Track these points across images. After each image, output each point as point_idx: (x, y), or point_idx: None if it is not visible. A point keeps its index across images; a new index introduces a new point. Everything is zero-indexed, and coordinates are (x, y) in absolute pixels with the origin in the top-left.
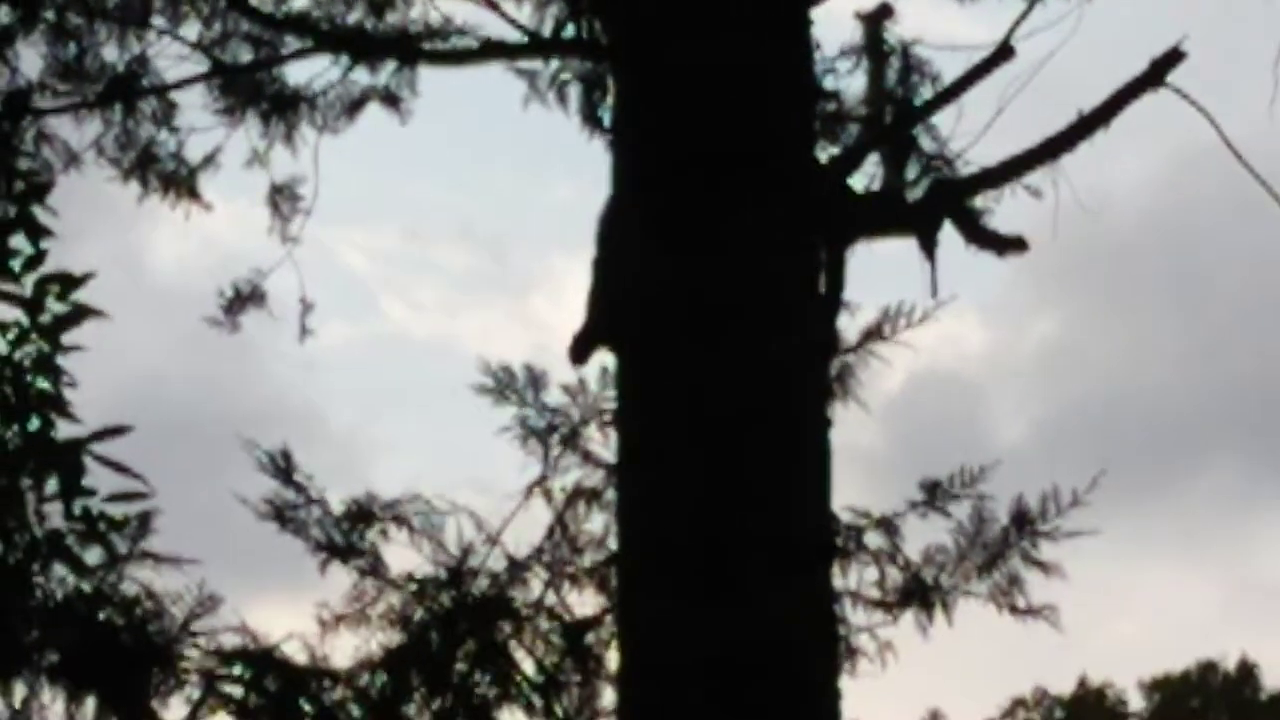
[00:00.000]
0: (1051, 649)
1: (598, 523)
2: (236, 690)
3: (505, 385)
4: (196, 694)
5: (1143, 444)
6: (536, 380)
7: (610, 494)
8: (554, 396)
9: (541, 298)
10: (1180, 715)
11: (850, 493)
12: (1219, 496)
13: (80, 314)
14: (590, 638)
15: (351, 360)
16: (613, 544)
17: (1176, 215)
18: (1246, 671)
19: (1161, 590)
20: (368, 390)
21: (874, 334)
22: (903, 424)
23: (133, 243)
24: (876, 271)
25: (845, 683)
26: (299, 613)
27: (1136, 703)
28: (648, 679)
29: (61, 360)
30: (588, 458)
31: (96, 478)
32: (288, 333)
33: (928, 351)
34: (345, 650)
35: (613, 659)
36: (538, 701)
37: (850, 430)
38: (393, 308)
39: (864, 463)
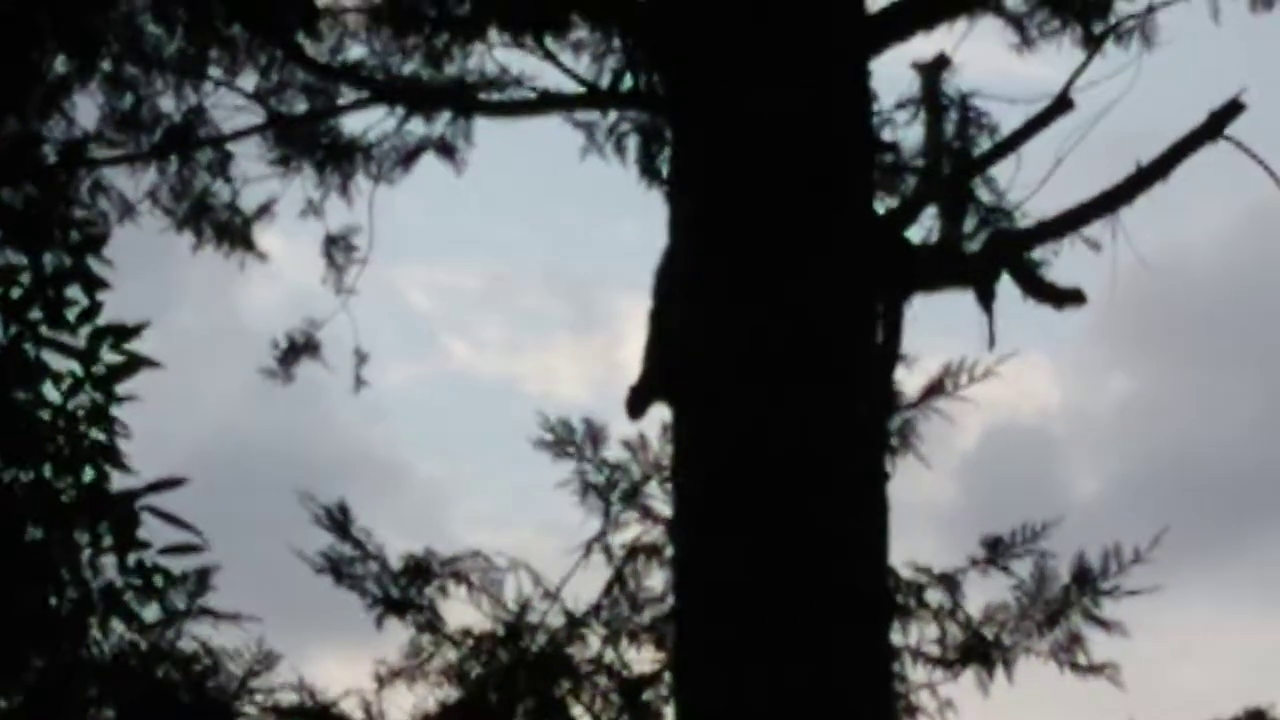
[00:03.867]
0: (1117, 703)
1: (657, 579)
2: None
3: (564, 439)
4: None
5: (1219, 500)
6: (595, 435)
7: (670, 550)
8: (614, 451)
9: (607, 337)
10: None
11: (925, 549)
12: None
13: (134, 364)
14: (648, 694)
15: (417, 402)
16: (671, 601)
17: (1254, 271)
18: None
19: (1236, 641)
20: (437, 434)
21: (936, 389)
22: (979, 480)
23: (195, 292)
24: (934, 324)
25: None
26: (358, 670)
27: None
28: None
29: (116, 411)
30: (647, 514)
31: (152, 531)
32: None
33: (1005, 407)
34: (403, 707)
35: (671, 716)
36: None
37: (926, 486)
38: (457, 347)
39: (939, 519)
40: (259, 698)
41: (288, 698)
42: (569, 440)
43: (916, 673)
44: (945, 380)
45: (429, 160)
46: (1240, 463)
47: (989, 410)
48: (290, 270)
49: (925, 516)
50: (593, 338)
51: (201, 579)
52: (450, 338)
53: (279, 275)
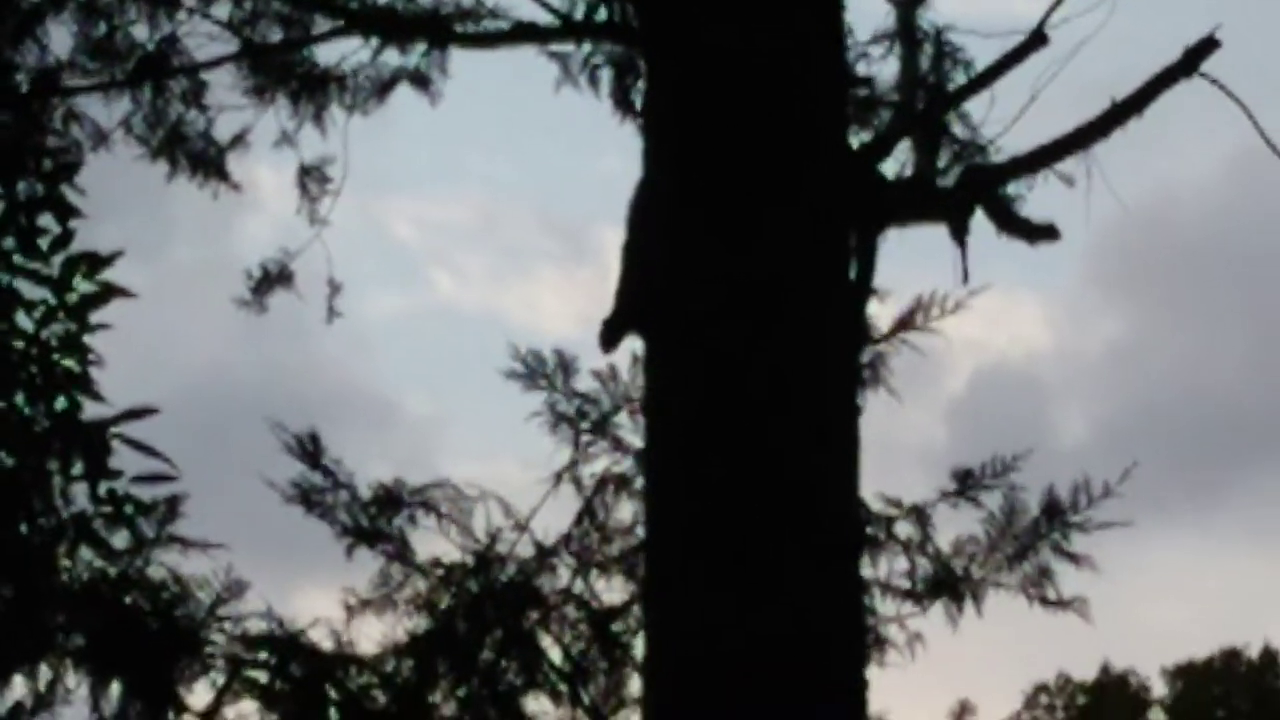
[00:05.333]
0: (1095, 639)
1: (626, 510)
2: (262, 676)
3: (535, 370)
4: (222, 679)
5: (1207, 442)
6: (566, 366)
7: (640, 481)
8: (585, 383)
9: (593, 271)
10: (1202, 702)
11: (915, 490)
12: None
13: (108, 293)
14: (618, 625)
15: (403, 335)
16: (641, 532)
17: (1243, 214)
18: (1270, 659)
19: (1219, 581)
20: (424, 367)
21: (907, 323)
22: (968, 422)
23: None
24: (907, 259)
25: (873, 673)
26: (328, 600)
27: (1160, 689)
28: (674, 668)
29: (90, 339)
30: (618, 444)
31: (124, 460)
32: (343, 308)
33: (995, 349)
34: (372, 637)
35: (640, 647)
36: (564, 690)
37: (917, 427)
38: (442, 280)
39: (929, 460)
40: (228, 626)
41: (257, 627)
42: (540, 371)
43: (885, 606)
44: (916, 314)
45: (404, 92)
46: (1229, 405)
47: (979, 352)
48: (275, 203)
49: (915, 457)
50: (579, 271)
51: (171, 507)
52: (435, 270)
53: (270, 209)
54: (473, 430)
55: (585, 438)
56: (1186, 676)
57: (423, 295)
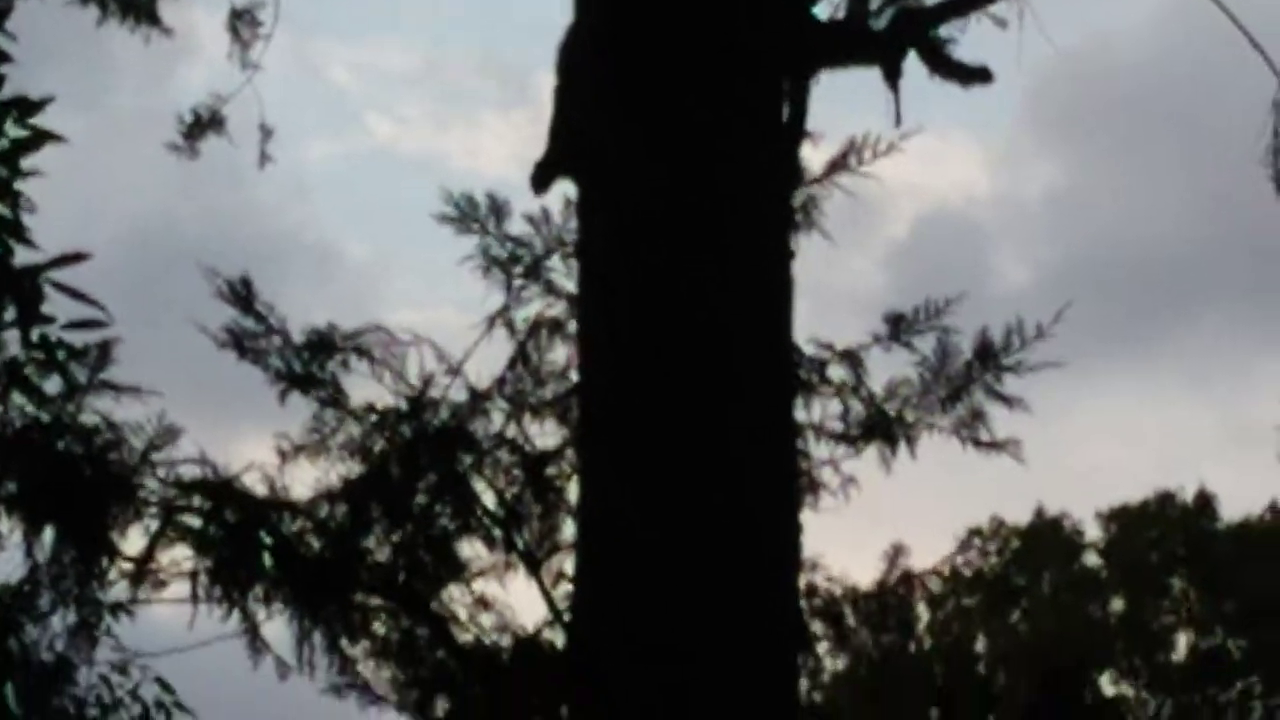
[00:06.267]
0: (1033, 482)
1: (560, 354)
2: (195, 522)
3: (467, 214)
4: (155, 525)
5: (1147, 288)
6: (499, 209)
7: (573, 325)
8: (519, 226)
9: (534, 113)
10: (1136, 545)
11: (855, 336)
12: (1221, 339)
13: (40, 138)
14: (551, 469)
15: (342, 180)
16: (575, 376)
17: (1180, 60)
18: (1204, 502)
19: (1157, 425)
20: (364, 213)
21: (839, 164)
22: (909, 268)
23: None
24: (843, 102)
25: (807, 516)
26: (266, 449)
27: (1094, 533)
28: (608, 513)
29: (21, 186)
30: (551, 288)
31: (56, 306)
32: (278, 152)
33: (935, 196)
34: (306, 483)
35: (574, 491)
36: (498, 534)
37: (856, 274)
38: (381, 125)
39: (869, 306)
40: (161, 472)
41: (191, 473)
42: (472, 215)
43: (819, 449)
44: (849, 156)
45: None
46: (1169, 253)
47: (919, 197)
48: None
49: (857, 303)
50: (519, 115)
51: (103, 353)
52: (373, 116)
53: (208, 55)
54: (414, 277)
55: (518, 282)
56: (1120, 520)
57: (361, 141)
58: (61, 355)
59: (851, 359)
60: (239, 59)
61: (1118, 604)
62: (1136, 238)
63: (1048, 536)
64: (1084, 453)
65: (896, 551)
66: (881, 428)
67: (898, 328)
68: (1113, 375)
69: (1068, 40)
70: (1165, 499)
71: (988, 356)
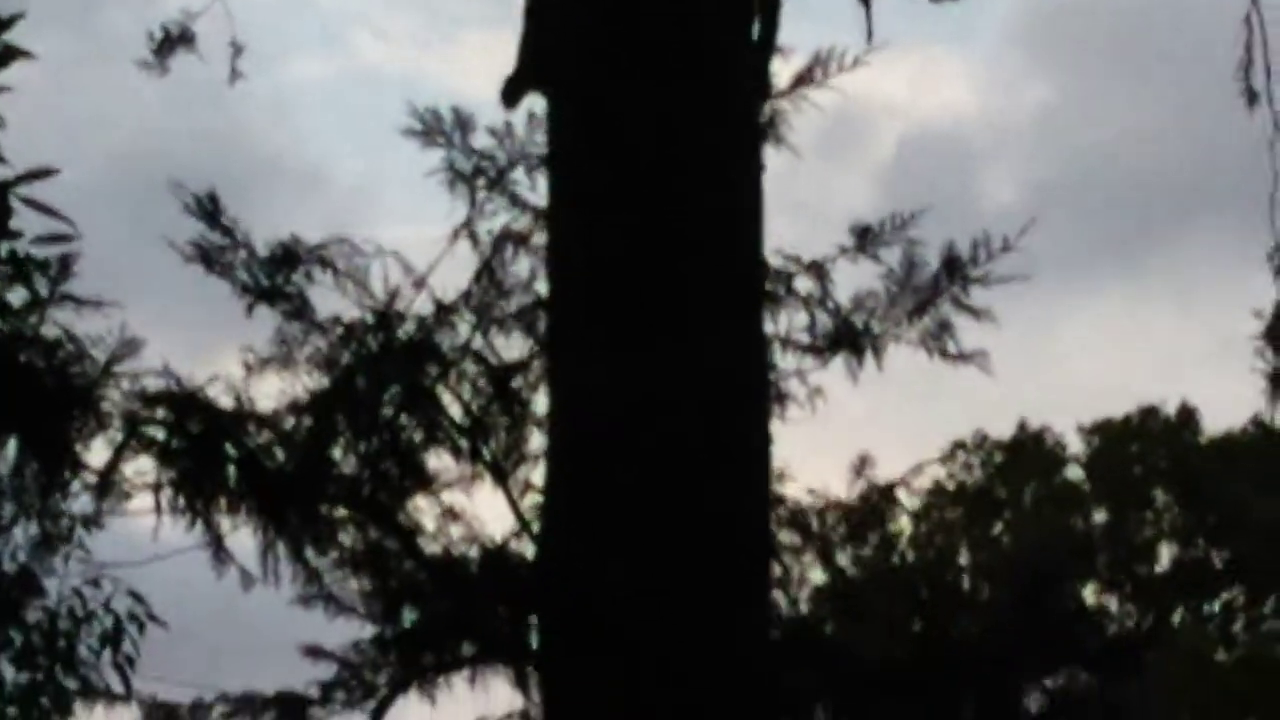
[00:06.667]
0: (1023, 397)
1: (524, 266)
2: (159, 433)
3: (432, 128)
4: (119, 437)
5: (1136, 206)
6: (464, 123)
7: (537, 238)
8: (482, 140)
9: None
10: (1120, 459)
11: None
12: (1213, 255)
13: (9, 55)
14: (517, 381)
15: (328, 98)
16: (539, 288)
17: None
18: (1187, 415)
19: (1145, 339)
20: (350, 131)
21: (805, 78)
22: (896, 188)
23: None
24: (815, 17)
25: (776, 427)
26: (229, 360)
27: (1076, 446)
28: (578, 425)
29: None
30: (515, 201)
31: (24, 220)
32: (261, 71)
33: (921, 116)
34: (271, 396)
35: (540, 403)
36: (464, 445)
37: (844, 194)
38: (363, 42)
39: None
40: (125, 385)
41: (155, 385)
42: (437, 129)
43: (786, 360)
44: (815, 69)
45: None
46: (1157, 168)
47: (905, 118)
48: None
49: (842, 223)
50: (505, 33)
51: (64, 265)
52: (356, 33)
53: None
54: (403, 193)
55: (481, 194)
56: (1103, 433)
57: (345, 60)
58: (28, 271)
59: (817, 270)
60: None
61: (1100, 516)
62: (1123, 154)
63: (1031, 450)
64: (1068, 367)
65: (862, 461)
66: (848, 339)
67: (864, 239)
68: (1101, 292)
69: None
70: (1148, 413)
71: (954, 269)
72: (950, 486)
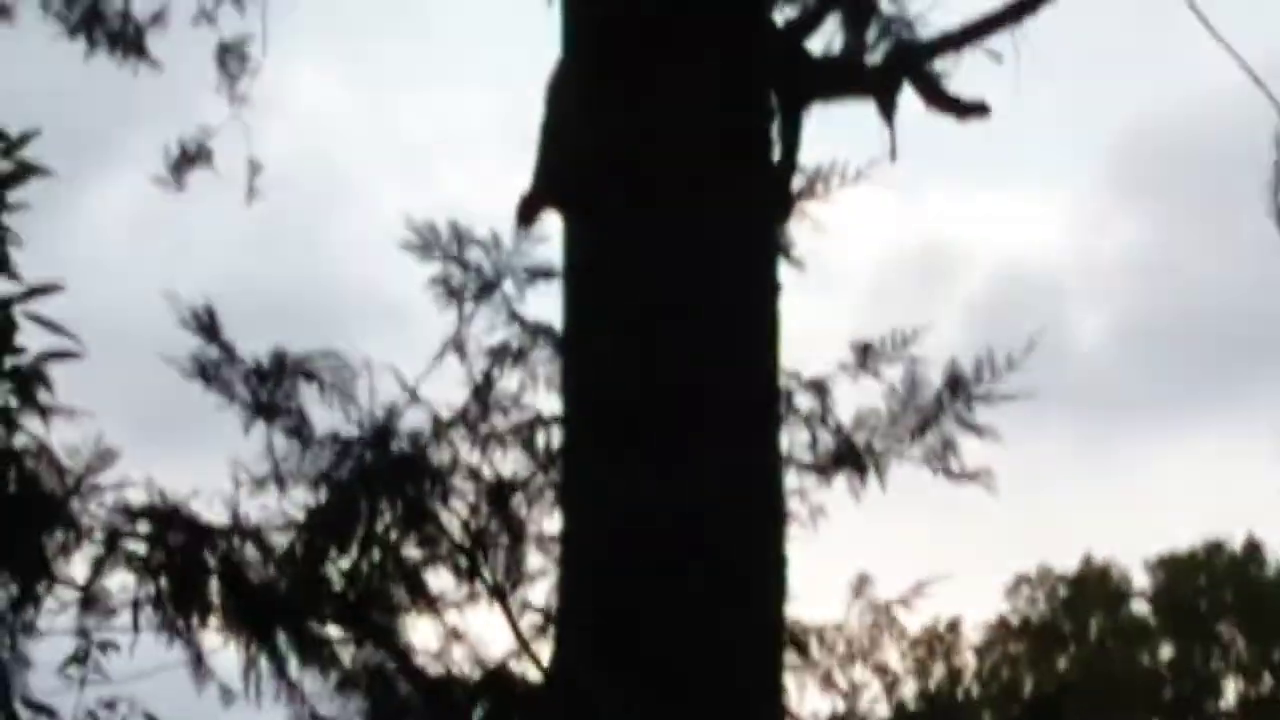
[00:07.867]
0: (1075, 528)
1: (513, 381)
2: (141, 548)
3: (431, 243)
4: (99, 552)
5: (1228, 342)
6: (460, 237)
7: (535, 354)
8: (477, 254)
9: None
10: (1186, 593)
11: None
12: None
13: (24, 172)
14: (516, 499)
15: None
16: (537, 403)
17: (1262, 118)
18: (1253, 550)
19: (1209, 478)
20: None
21: (805, 193)
22: (983, 324)
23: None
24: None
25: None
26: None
27: (1141, 581)
28: (590, 545)
29: (7, 219)
30: (513, 316)
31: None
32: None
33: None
34: (261, 508)
35: (539, 522)
36: (464, 564)
37: (937, 331)
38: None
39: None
40: (107, 498)
41: (137, 498)
42: (434, 242)
43: (788, 479)
44: (815, 185)
45: None
46: (1251, 303)
47: (996, 255)
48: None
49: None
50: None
51: (37, 376)
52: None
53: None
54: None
55: (469, 306)
56: (1169, 568)
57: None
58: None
59: (817, 388)
60: (227, 94)
61: (1166, 651)
62: (1217, 293)
63: (1095, 584)
64: (1133, 501)
65: (861, 582)
66: (850, 457)
67: (865, 356)
68: (1187, 429)
69: (1062, 70)
70: (1214, 547)
71: (957, 386)
72: (1014, 620)
